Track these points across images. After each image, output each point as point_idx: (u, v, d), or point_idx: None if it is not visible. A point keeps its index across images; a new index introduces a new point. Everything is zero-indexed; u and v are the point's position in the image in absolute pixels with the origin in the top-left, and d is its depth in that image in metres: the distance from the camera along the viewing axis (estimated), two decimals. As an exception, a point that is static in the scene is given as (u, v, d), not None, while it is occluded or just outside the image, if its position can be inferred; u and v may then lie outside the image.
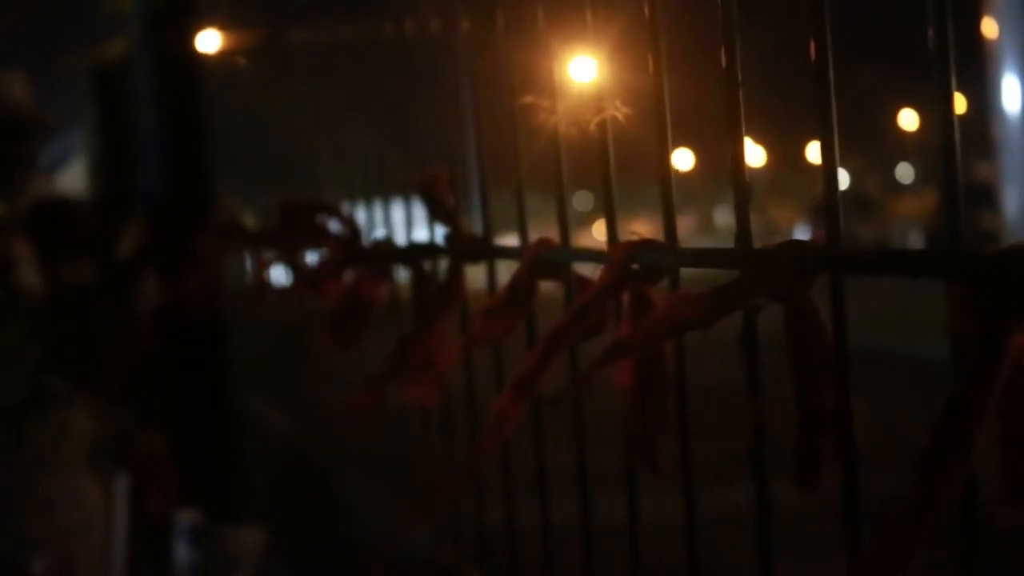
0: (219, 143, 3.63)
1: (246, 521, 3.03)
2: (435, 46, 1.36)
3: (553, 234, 1.06)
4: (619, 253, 0.89)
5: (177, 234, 3.04)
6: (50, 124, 2.98)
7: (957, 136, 0.63)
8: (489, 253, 1.20)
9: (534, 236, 1.09)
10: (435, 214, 1.28)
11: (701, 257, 0.84)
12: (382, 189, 1.84)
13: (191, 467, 2.99)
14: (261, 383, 3.24)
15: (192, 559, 2.83)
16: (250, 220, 3.26)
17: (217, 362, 3.32)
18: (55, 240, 2.99)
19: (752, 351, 0.78)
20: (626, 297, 0.89)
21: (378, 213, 1.83)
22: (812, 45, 0.66)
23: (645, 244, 0.87)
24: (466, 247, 1.22)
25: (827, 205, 0.69)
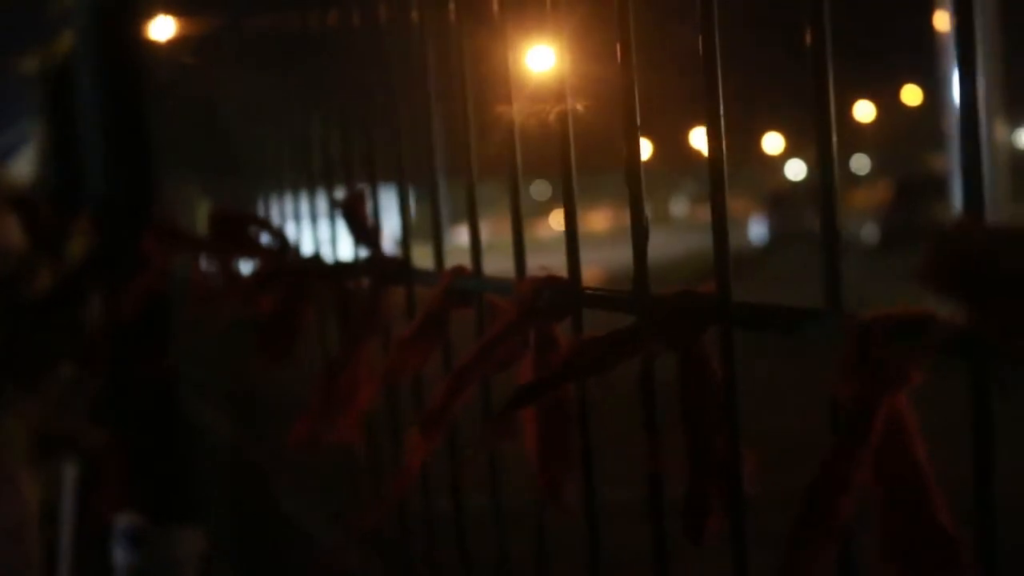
0: (168, 135, 3.61)
1: (187, 524, 3.02)
2: (387, 34, 1.34)
3: (507, 226, 1.05)
4: (524, 289, 0.89)
5: (121, 235, 3.03)
6: None
7: (836, 180, 0.63)
8: (407, 277, 1.20)
9: (492, 225, 1.09)
10: (357, 236, 1.28)
11: (601, 299, 0.84)
12: (327, 181, 1.82)
13: (132, 469, 2.98)
14: (205, 386, 3.23)
15: (131, 562, 2.82)
16: (204, 211, 3.24)
17: (160, 364, 3.30)
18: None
19: (649, 396, 0.78)
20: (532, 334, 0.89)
21: (320, 208, 1.81)
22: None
23: (549, 281, 0.88)
24: (386, 270, 1.22)
25: (717, 259, 0.70)
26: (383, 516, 1.04)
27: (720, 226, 0.69)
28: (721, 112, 0.69)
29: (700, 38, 0.70)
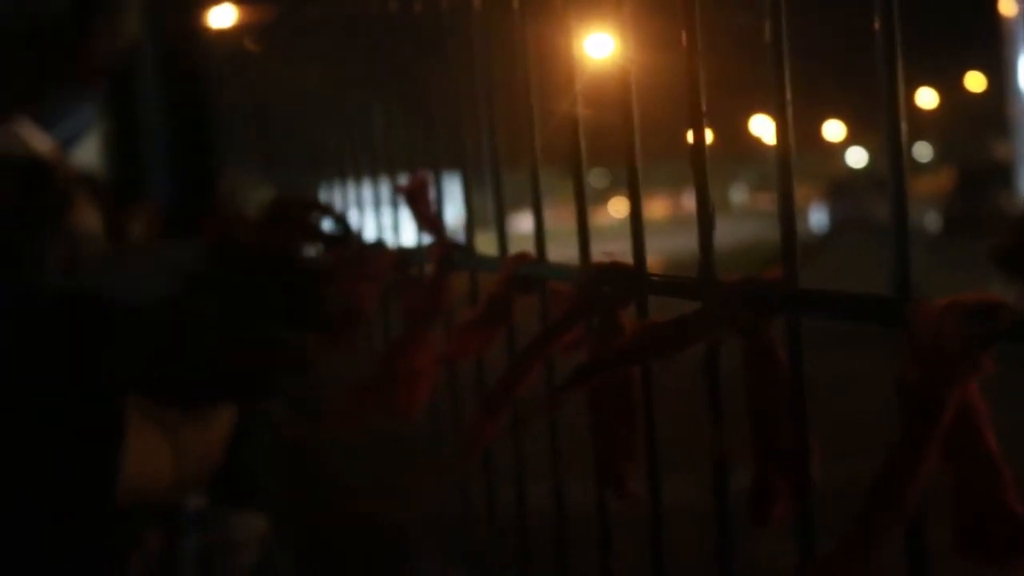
0: (229, 123, 3.63)
1: (249, 507, 3.04)
2: (449, 20, 1.34)
3: (569, 212, 1.06)
4: (588, 275, 0.89)
5: (183, 223, 3.05)
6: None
7: (905, 166, 0.63)
8: (471, 264, 1.21)
9: (550, 213, 1.09)
10: (420, 222, 1.28)
11: (666, 286, 0.84)
12: (390, 168, 1.83)
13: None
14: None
15: (194, 543, 2.84)
16: (266, 195, 3.26)
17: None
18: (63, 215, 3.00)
19: (713, 383, 0.78)
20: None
21: (384, 192, 1.82)
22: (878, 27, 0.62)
23: (613, 267, 0.88)
24: (449, 257, 1.23)
25: (784, 245, 0.69)
26: (441, 500, 1.05)
27: (787, 213, 0.69)
28: (788, 99, 0.69)
29: (768, 26, 0.69)
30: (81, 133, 3.25)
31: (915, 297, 0.61)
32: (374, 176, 1.87)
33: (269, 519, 2.96)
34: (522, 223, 1.21)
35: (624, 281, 0.87)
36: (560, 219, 1.27)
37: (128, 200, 3.82)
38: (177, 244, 1.07)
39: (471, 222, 1.29)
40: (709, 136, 0.79)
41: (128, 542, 2.60)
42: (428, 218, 1.26)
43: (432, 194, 1.30)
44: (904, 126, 0.61)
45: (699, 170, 0.77)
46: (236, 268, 1.04)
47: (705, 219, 0.78)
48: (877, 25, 0.61)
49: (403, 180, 1.51)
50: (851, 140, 40.96)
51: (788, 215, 0.69)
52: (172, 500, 2.78)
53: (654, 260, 0.90)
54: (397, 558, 2.19)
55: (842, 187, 27.99)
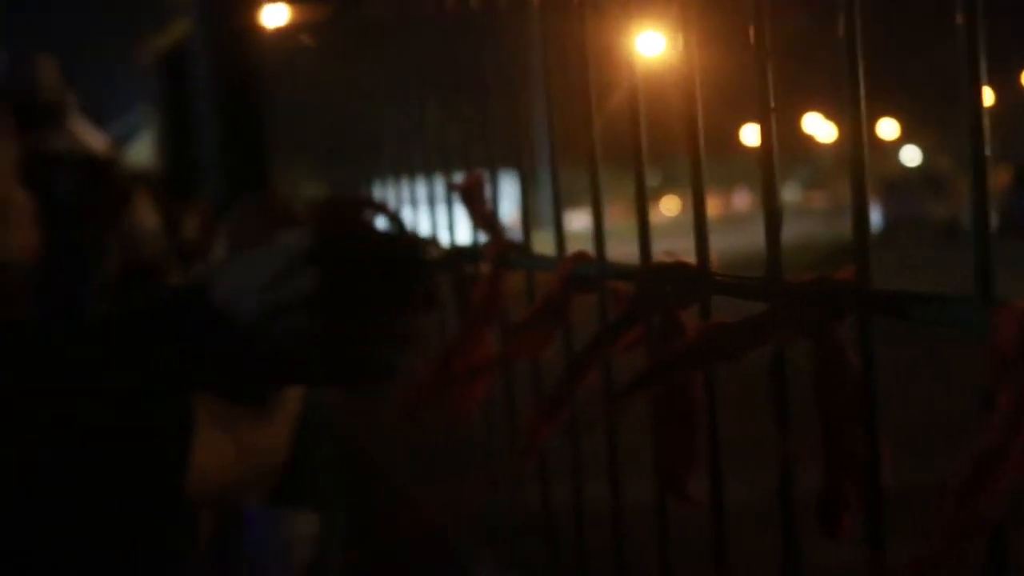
0: (281, 120, 3.63)
1: (303, 506, 3.04)
2: (504, 19, 1.33)
3: (621, 210, 1.04)
4: (649, 276, 0.87)
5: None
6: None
7: (985, 164, 0.61)
8: (527, 263, 1.19)
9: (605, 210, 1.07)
10: (475, 220, 1.26)
11: (731, 285, 0.82)
12: (445, 165, 1.82)
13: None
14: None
15: (247, 541, 2.85)
16: (317, 191, 3.25)
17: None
18: (118, 212, 3.01)
19: (779, 386, 0.76)
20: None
21: (438, 190, 1.81)
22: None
23: (676, 266, 0.86)
24: (505, 255, 1.21)
25: (856, 244, 0.67)
26: (494, 500, 1.03)
27: (861, 211, 0.67)
28: (863, 96, 0.67)
29: (843, 24, 0.67)
30: (136, 131, 3.26)
31: (997, 300, 0.59)
32: (428, 174, 1.85)
33: (322, 519, 2.96)
34: (574, 221, 1.19)
35: (687, 281, 0.85)
36: (612, 216, 1.25)
37: (182, 197, 3.84)
38: (287, 231, 1.07)
39: (528, 220, 1.27)
40: (760, 138, 0.77)
41: (191, 540, 2.61)
42: (484, 216, 1.25)
43: (487, 192, 1.28)
44: (986, 126, 0.59)
45: (767, 168, 0.75)
46: (341, 247, 1.05)
47: (772, 217, 0.76)
48: (960, 23, 0.59)
49: (458, 178, 1.50)
50: (905, 138, 40.60)
51: (862, 214, 0.66)
52: (235, 499, 2.78)
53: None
54: (448, 559, 2.18)
55: (896, 186, 27.78)
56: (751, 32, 0.76)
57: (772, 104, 0.75)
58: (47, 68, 2.95)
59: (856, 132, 0.66)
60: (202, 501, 1.11)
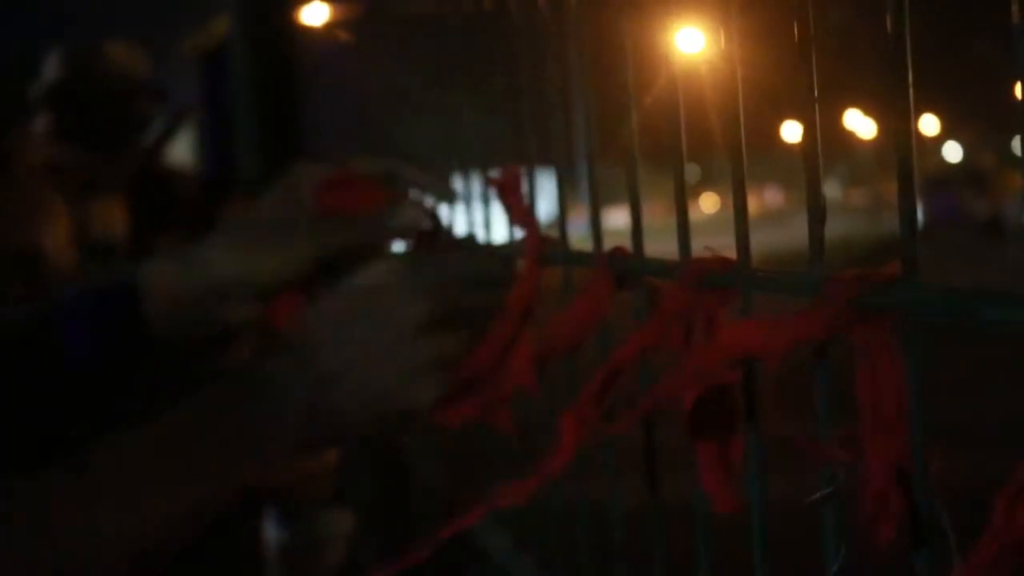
0: (319, 116, 3.63)
1: (336, 504, 3.04)
2: (541, 15, 1.32)
3: (659, 208, 1.02)
4: (690, 271, 0.86)
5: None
6: (160, 92, 3.04)
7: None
8: (565, 259, 1.17)
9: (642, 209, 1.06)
10: (512, 217, 1.25)
11: (773, 281, 0.80)
12: (482, 163, 1.81)
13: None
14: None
15: (281, 539, 2.85)
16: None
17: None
18: (158, 209, 3.02)
19: (823, 386, 0.74)
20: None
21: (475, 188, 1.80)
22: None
23: (716, 262, 0.84)
24: (542, 252, 1.19)
25: (903, 240, 0.65)
26: (529, 499, 1.01)
27: (909, 207, 0.65)
28: (912, 95, 0.65)
29: (889, 21, 0.65)
30: (173, 129, 3.27)
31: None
32: (465, 170, 1.84)
33: (357, 516, 2.96)
34: (611, 219, 1.18)
35: (727, 277, 0.83)
36: (650, 214, 1.24)
37: (221, 194, 3.84)
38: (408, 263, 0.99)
39: (564, 216, 1.26)
40: (801, 130, 0.75)
41: (242, 533, 2.61)
42: (521, 212, 1.23)
43: (524, 188, 1.26)
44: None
45: (811, 162, 0.73)
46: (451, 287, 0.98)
47: (816, 212, 0.74)
48: (1016, 21, 0.57)
49: (495, 174, 1.49)
50: (946, 135, 40.30)
51: (909, 209, 0.65)
52: (290, 494, 2.78)
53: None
54: (481, 560, 2.17)
55: (938, 182, 27.61)
56: (794, 27, 0.74)
57: (815, 99, 0.73)
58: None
59: (904, 128, 0.64)
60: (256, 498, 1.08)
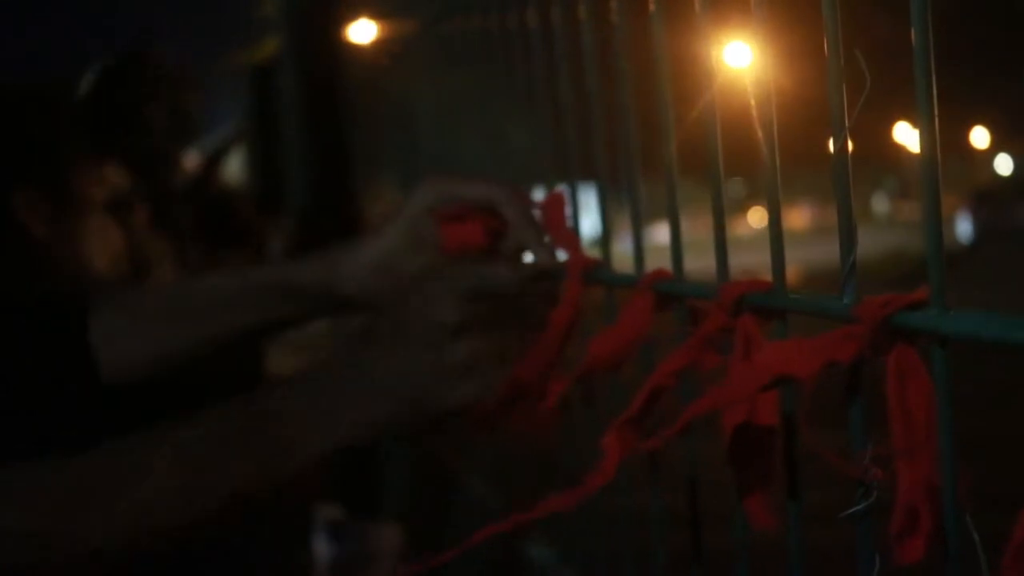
0: (367, 133, 3.66)
1: (386, 520, 3.06)
2: (585, 31, 1.34)
3: (706, 222, 1.04)
4: (727, 294, 0.87)
5: (321, 234, 3.08)
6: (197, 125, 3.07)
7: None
8: (607, 279, 1.19)
9: (689, 222, 1.08)
10: (555, 238, 1.27)
11: (807, 304, 0.81)
12: (527, 179, 1.82)
13: (331, 463, 3.04)
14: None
15: (331, 555, 2.88)
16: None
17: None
18: (213, 227, 3.06)
19: (857, 408, 0.75)
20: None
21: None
22: None
23: (752, 285, 0.86)
24: (585, 272, 1.21)
25: (931, 260, 0.67)
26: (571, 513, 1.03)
27: (935, 231, 0.66)
28: (935, 110, 0.66)
29: (914, 33, 0.67)
30: (227, 147, 3.31)
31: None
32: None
33: (405, 532, 2.98)
34: (657, 234, 1.19)
35: (763, 300, 0.85)
36: (697, 229, 1.25)
37: (270, 210, 3.88)
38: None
39: (608, 236, 1.28)
40: (849, 144, 0.76)
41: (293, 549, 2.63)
42: (563, 234, 1.25)
43: (567, 209, 1.28)
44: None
45: (842, 186, 0.74)
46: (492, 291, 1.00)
47: (846, 235, 0.75)
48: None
49: (538, 193, 1.51)
50: (997, 147, 39.97)
51: (935, 233, 0.66)
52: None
53: (794, 271, 0.88)
54: (528, 572, 2.19)
55: (988, 195, 27.36)
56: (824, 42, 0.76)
57: (846, 127, 0.74)
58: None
59: (930, 155, 0.66)
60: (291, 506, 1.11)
